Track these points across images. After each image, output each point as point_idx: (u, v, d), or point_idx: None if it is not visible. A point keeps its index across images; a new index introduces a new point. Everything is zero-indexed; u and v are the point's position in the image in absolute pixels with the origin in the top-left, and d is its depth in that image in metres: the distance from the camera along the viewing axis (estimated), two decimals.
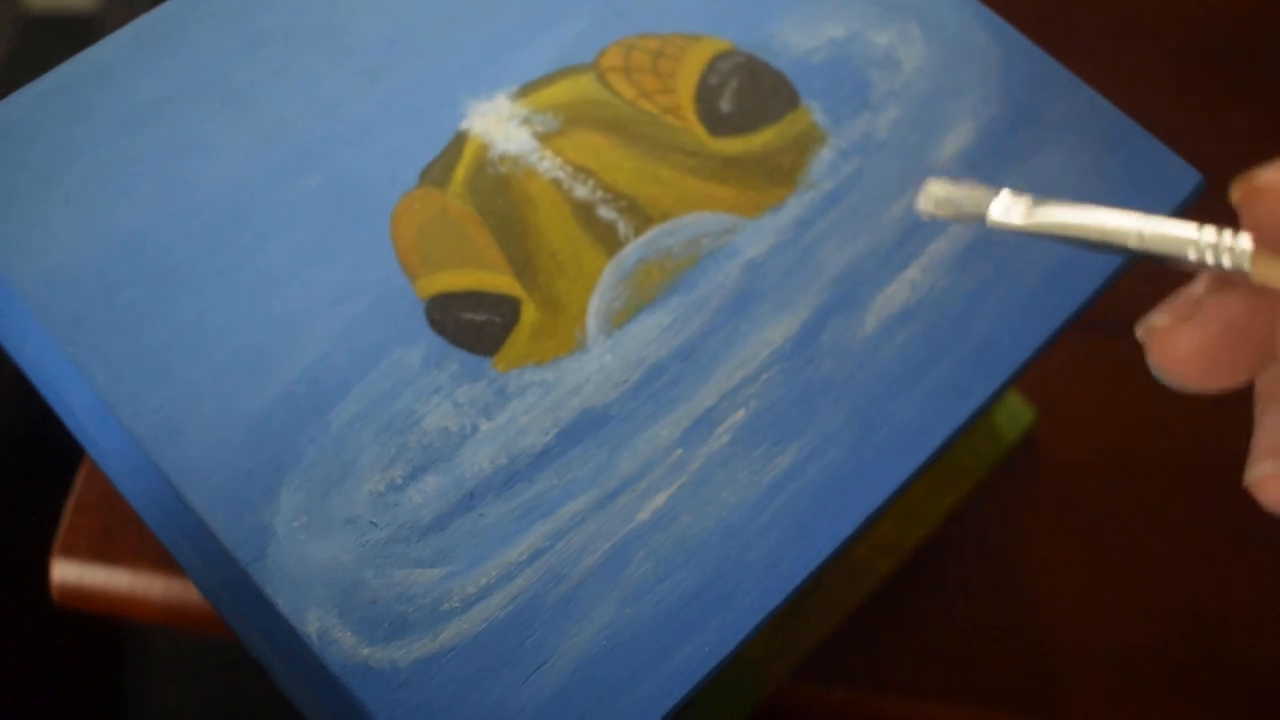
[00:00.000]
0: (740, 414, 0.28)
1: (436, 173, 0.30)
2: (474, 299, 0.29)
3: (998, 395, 0.29)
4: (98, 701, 0.60)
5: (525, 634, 0.26)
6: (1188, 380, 0.17)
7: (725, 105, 0.32)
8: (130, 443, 0.27)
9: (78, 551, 0.42)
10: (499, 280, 0.29)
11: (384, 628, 0.26)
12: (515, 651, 0.26)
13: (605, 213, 0.30)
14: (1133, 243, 0.19)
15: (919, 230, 0.31)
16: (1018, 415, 0.44)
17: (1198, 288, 0.18)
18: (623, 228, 0.30)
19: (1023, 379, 0.46)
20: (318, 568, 0.26)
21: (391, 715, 0.25)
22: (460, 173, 0.31)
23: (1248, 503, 0.43)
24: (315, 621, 0.25)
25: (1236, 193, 0.17)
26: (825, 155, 0.32)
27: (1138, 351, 0.45)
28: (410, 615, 0.26)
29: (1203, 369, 0.16)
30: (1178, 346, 0.17)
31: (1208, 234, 0.18)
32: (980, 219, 0.22)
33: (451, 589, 0.26)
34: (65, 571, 0.42)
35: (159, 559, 0.41)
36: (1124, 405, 0.46)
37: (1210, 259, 0.18)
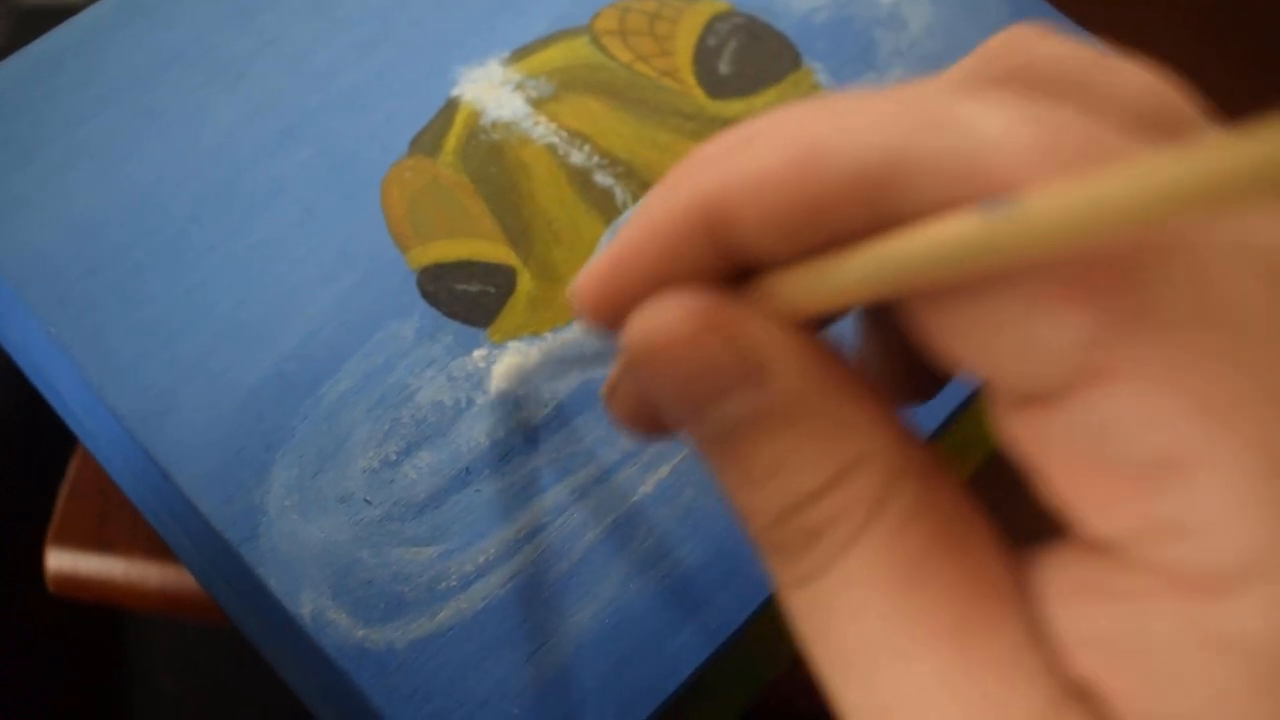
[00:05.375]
0: None
1: (427, 141, 0.30)
2: (468, 269, 0.28)
3: None
4: (98, 689, 0.59)
5: (525, 613, 0.25)
6: (631, 431, 0.19)
7: (724, 67, 0.31)
8: (117, 424, 0.26)
9: (72, 539, 0.41)
10: (493, 249, 0.29)
11: (380, 608, 0.25)
12: (515, 631, 0.25)
13: (602, 179, 0.29)
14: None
15: None
16: None
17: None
18: (620, 194, 0.29)
19: None
20: (311, 548, 0.25)
21: (389, 698, 0.24)
22: (452, 140, 0.30)
23: None
24: (309, 603, 0.25)
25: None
26: None
27: None
28: (406, 595, 0.25)
29: (636, 425, 0.19)
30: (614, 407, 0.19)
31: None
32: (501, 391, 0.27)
33: (449, 567, 0.25)
34: (60, 560, 0.41)
35: (155, 545, 0.41)
36: None
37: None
